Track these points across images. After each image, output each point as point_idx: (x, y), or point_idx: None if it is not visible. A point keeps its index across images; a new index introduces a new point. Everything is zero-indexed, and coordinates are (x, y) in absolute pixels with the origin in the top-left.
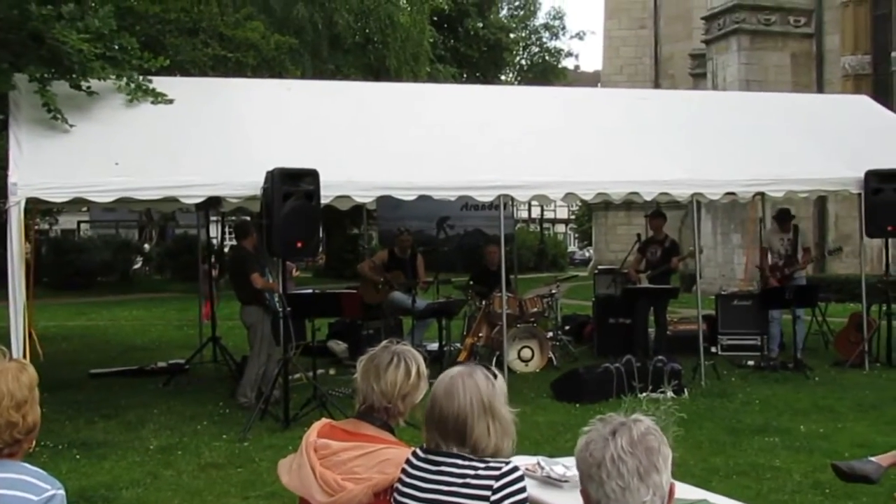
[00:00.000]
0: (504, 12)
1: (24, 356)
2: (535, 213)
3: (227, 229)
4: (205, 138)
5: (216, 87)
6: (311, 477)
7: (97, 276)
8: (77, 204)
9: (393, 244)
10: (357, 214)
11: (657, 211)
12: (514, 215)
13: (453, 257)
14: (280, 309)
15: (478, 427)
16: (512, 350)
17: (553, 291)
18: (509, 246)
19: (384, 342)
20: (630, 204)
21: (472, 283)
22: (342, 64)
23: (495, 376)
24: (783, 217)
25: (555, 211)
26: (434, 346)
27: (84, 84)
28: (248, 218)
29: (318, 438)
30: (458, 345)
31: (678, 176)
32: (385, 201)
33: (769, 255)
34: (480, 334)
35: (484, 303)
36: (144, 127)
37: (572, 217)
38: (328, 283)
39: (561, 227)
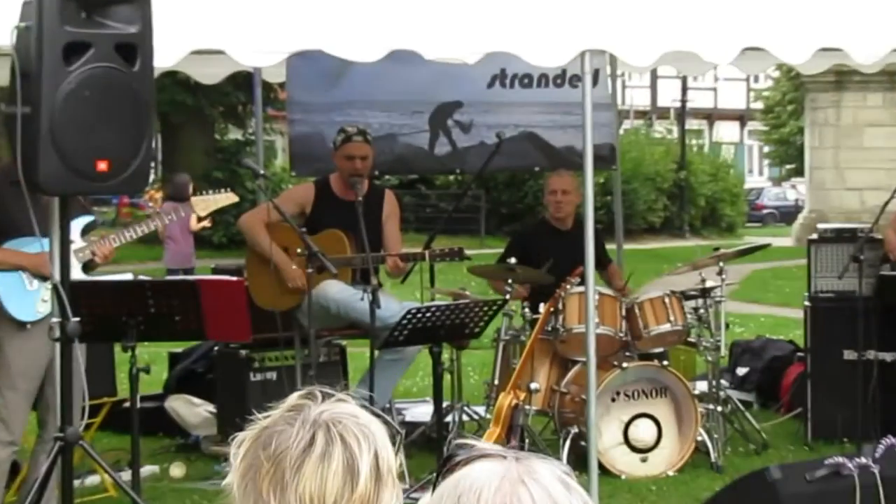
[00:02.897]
0: None
1: None
2: (666, 98)
3: None
4: None
5: None
6: None
7: None
8: None
9: (325, 169)
10: (242, 95)
11: None
12: (619, 102)
13: (473, 201)
14: (56, 321)
15: None
16: (608, 423)
17: (709, 283)
18: (606, 173)
19: (296, 396)
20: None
21: (513, 259)
22: None
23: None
24: None
25: (714, 94)
26: (422, 409)
27: None
28: None
29: None
30: (482, 412)
31: None
32: (306, 67)
33: None
34: (533, 384)
35: (542, 308)
36: None
37: (753, 107)
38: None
39: (728, 131)
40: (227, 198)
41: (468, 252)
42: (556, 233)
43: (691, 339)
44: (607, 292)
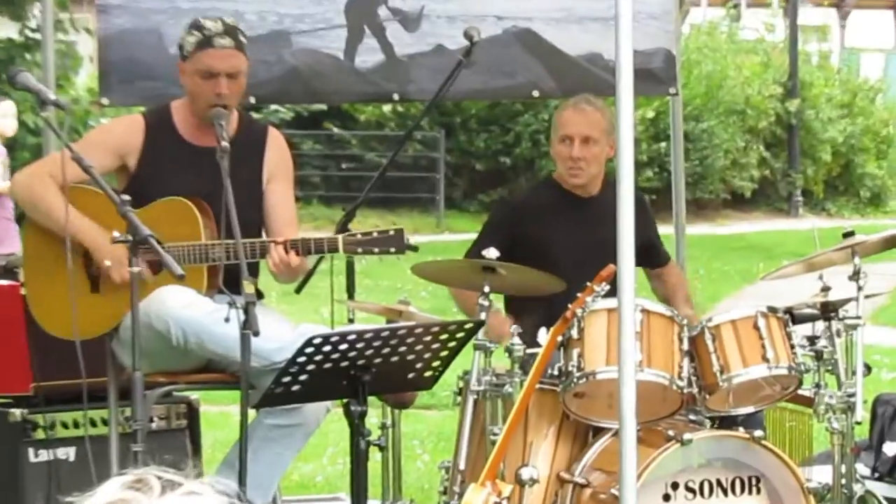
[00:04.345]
0: None
1: None
2: None
3: None
4: None
5: None
6: None
7: None
8: None
9: (161, 93)
10: None
11: None
12: None
13: (425, 151)
14: None
15: None
16: None
17: (836, 295)
18: (660, 101)
19: (118, 485)
20: None
21: (493, 252)
22: None
23: None
24: None
25: None
26: None
27: None
28: None
29: None
30: None
31: None
32: None
33: None
34: (527, 470)
35: (543, 336)
36: None
37: None
38: None
39: (873, 30)
40: None
41: (415, 239)
42: (571, 203)
43: (804, 392)
44: (659, 309)
